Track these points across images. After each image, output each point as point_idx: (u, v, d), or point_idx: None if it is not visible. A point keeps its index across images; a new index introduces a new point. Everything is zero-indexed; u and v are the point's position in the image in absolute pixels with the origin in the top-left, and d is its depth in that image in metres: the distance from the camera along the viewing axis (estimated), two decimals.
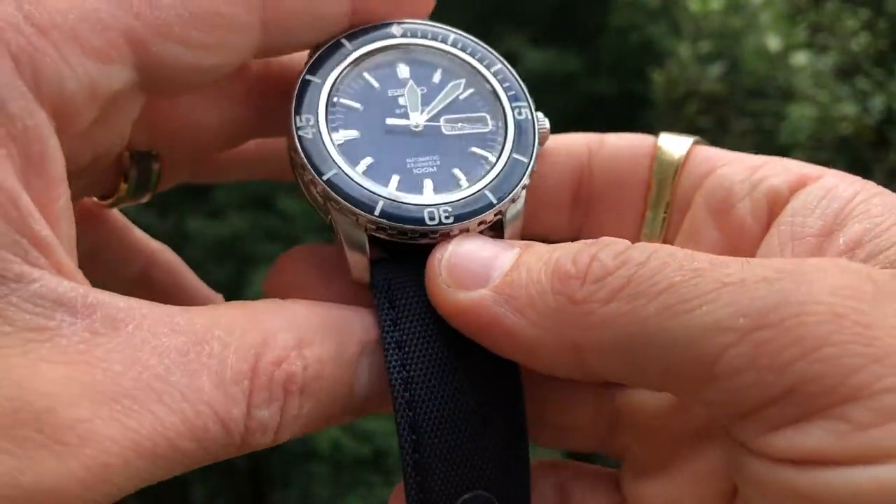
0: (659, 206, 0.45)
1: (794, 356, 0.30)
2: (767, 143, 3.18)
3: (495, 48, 0.48)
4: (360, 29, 0.44)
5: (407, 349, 0.41)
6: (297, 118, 0.42)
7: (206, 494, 3.12)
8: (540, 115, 0.45)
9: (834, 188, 0.39)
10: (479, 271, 0.38)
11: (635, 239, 0.45)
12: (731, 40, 3.31)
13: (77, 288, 0.33)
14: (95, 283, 0.52)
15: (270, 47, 0.41)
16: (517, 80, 0.46)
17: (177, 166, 0.48)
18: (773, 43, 3.20)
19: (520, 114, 0.45)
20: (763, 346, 0.30)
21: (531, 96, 0.48)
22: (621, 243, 0.35)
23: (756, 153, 0.47)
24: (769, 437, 0.31)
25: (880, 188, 0.39)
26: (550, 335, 0.35)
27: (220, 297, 0.60)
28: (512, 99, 0.45)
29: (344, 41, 0.44)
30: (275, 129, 0.46)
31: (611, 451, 0.48)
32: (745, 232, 0.41)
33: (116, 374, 0.31)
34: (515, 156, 0.44)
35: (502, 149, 0.44)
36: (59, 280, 0.33)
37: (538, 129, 0.45)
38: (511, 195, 0.42)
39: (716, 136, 3.23)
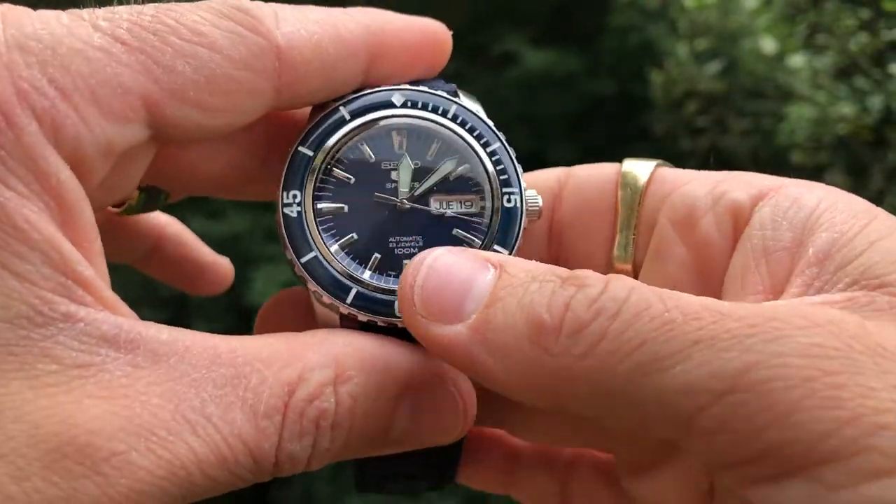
0: (628, 229, 0.45)
1: (767, 421, 0.31)
2: (766, 143, 3.18)
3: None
4: (359, 95, 0.44)
5: None
6: (284, 194, 0.42)
7: None
8: (532, 192, 0.45)
9: (799, 198, 0.40)
10: (454, 303, 0.37)
11: (608, 263, 0.47)
12: (728, 41, 3.31)
13: (121, 323, 0.34)
14: (110, 262, 0.53)
15: (283, 106, 0.42)
16: (512, 161, 0.45)
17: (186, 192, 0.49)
18: (769, 46, 3.21)
19: (508, 201, 0.44)
20: (736, 409, 0.31)
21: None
22: (595, 285, 0.35)
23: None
24: (749, 489, 0.32)
25: (841, 192, 0.40)
26: (527, 382, 0.36)
27: (226, 260, 0.61)
28: (504, 184, 0.44)
29: (342, 110, 0.43)
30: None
31: (602, 449, 0.48)
32: (711, 246, 0.42)
33: (155, 406, 0.33)
34: (496, 247, 0.43)
35: (486, 236, 0.43)
36: (104, 316, 0.34)
37: (528, 210, 0.44)
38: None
39: (715, 136, 3.23)
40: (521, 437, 0.51)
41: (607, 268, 0.47)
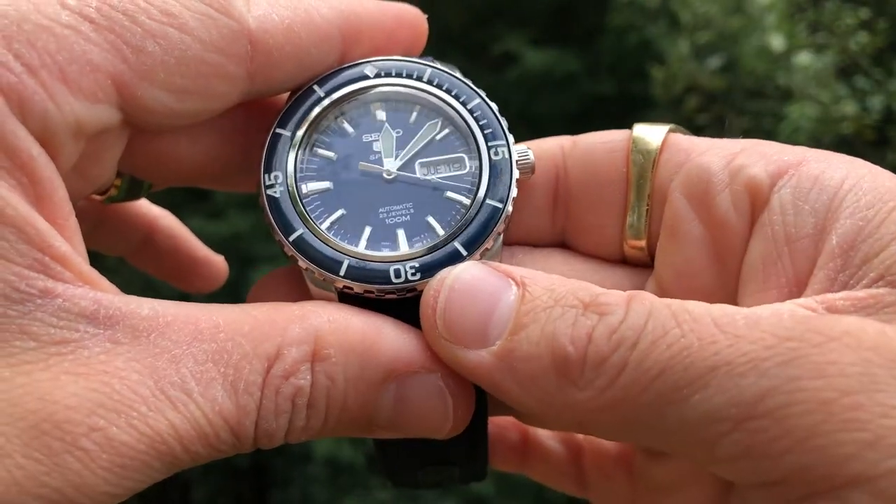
0: (641, 199, 0.43)
1: (786, 447, 0.31)
2: None
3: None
4: (333, 72, 0.43)
5: None
6: (266, 176, 0.41)
7: (207, 494, 3.12)
8: (522, 147, 0.44)
9: (820, 176, 0.38)
10: (478, 327, 0.37)
11: (620, 236, 0.45)
12: (730, 41, 3.31)
13: (100, 299, 0.34)
14: (102, 253, 0.51)
15: (257, 92, 0.41)
16: (495, 116, 0.44)
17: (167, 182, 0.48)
18: (777, 43, 3.20)
19: (496, 154, 0.43)
20: (756, 436, 0.31)
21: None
22: (616, 313, 0.35)
23: None
24: None
25: (865, 167, 0.39)
26: (553, 412, 0.36)
27: (220, 258, 0.60)
28: (489, 138, 0.43)
29: (315, 87, 0.43)
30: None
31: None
32: (727, 227, 0.40)
33: (134, 382, 0.33)
34: (490, 202, 0.42)
35: (476, 193, 0.42)
36: (83, 291, 0.34)
37: (519, 165, 0.43)
38: (483, 246, 0.41)
39: (715, 134, 3.23)
40: (531, 425, 0.50)
41: (620, 241, 0.45)
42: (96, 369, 0.32)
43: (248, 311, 0.36)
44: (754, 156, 0.40)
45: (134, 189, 0.47)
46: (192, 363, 0.34)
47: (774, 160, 0.40)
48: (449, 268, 0.39)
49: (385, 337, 0.37)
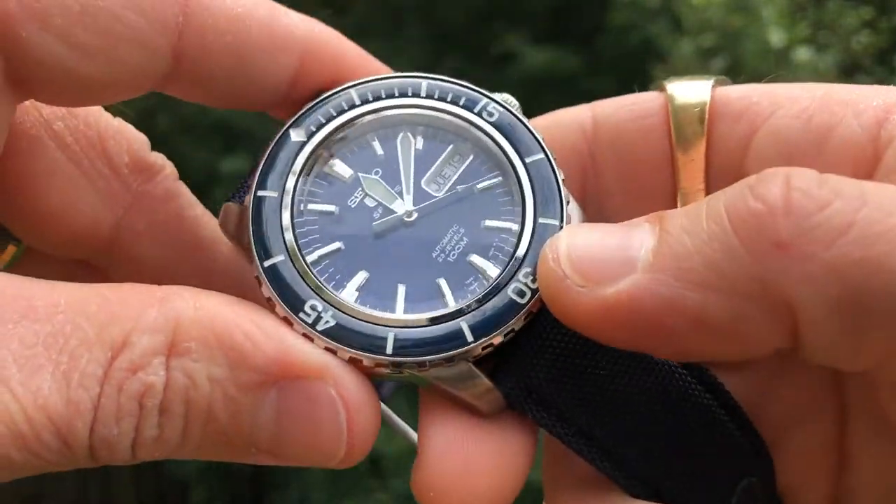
0: (691, 182, 0.36)
1: None
2: None
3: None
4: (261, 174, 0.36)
5: (593, 435, 0.35)
6: (302, 313, 0.33)
7: (206, 496, 3.11)
8: (505, 95, 0.38)
9: None
10: (616, 256, 0.29)
11: None
12: (732, 40, 3.30)
13: None
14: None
15: (183, 86, 0.35)
16: (456, 84, 0.37)
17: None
18: (776, 38, 3.19)
19: (488, 115, 0.37)
20: None
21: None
22: (811, 171, 0.27)
23: None
24: None
25: None
26: (752, 303, 0.26)
27: None
28: (467, 107, 0.37)
29: (261, 192, 0.36)
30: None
31: None
32: None
33: None
34: (529, 159, 0.36)
35: (510, 162, 0.36)
36: None
37: (520, 115, 0.37)
38: (568, 202, 0.35)
39: None
40: (725, 357, 0.44)
41: None
42: None
43: (99, 290, 0.30)
44: (837, 108, 0.34)
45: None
46: (16, 345, 0.27)
47: (863, 109, 0.33)
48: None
49: (263, 332, 0.30)
